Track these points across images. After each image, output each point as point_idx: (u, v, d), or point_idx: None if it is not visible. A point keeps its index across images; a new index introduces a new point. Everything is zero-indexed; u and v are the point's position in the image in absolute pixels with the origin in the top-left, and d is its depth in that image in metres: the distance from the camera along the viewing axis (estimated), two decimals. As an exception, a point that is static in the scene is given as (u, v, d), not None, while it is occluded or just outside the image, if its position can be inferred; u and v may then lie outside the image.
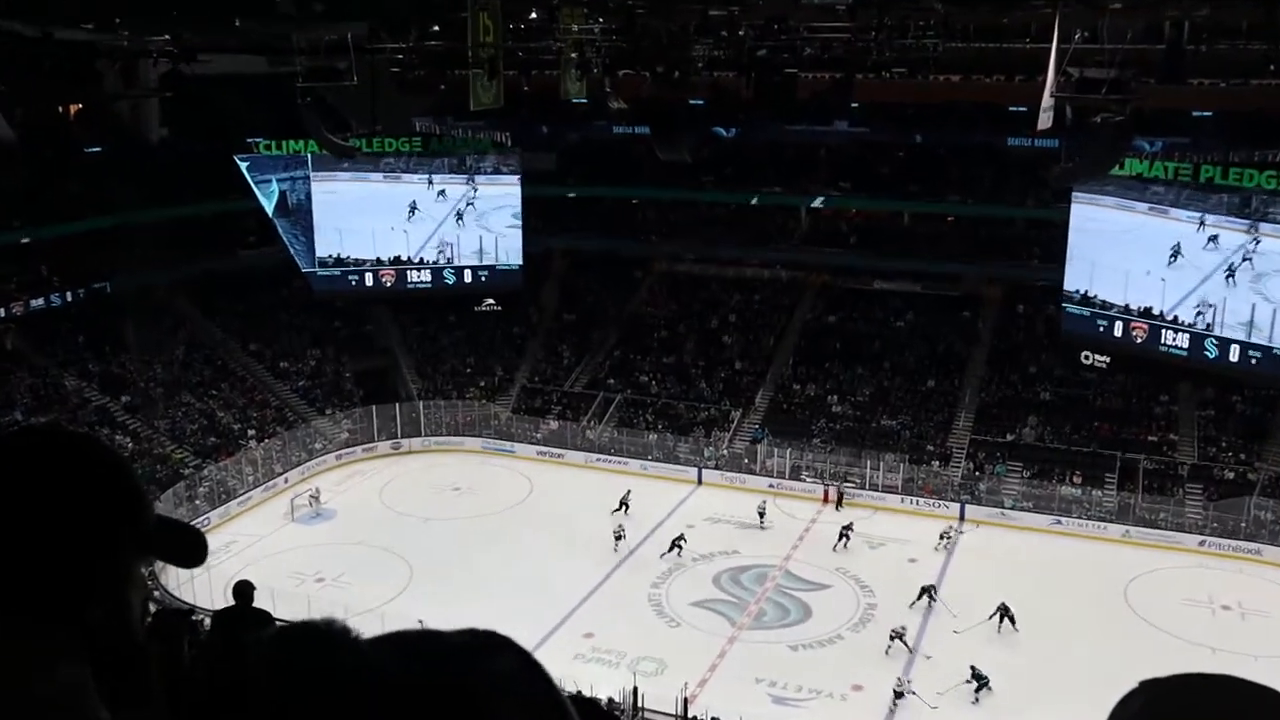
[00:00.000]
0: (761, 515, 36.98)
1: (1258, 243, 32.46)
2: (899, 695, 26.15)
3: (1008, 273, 45.41)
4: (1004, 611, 29.25)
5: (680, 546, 34.33)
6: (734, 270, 51.07)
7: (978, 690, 26.23)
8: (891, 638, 28.73)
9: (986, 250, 45.11)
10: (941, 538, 35.40)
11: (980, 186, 44.46)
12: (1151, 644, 28.36)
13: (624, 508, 37.27)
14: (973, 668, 26.39)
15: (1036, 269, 42.77)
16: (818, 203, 46.64)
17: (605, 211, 50.51)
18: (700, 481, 41.42)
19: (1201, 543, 35.52)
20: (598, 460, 43.15)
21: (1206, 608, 31.51)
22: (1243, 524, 35.57)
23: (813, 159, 48.01)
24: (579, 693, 21.59)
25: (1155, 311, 34.61)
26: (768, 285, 50.55)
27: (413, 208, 44.18)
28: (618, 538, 34.84)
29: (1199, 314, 33.91)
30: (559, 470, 42.66)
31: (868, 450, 40.92)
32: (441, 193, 44.28)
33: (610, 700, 24.29)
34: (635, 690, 25.51)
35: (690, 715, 25.43)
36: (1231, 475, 37.79)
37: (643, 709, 25.44)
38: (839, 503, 38.96)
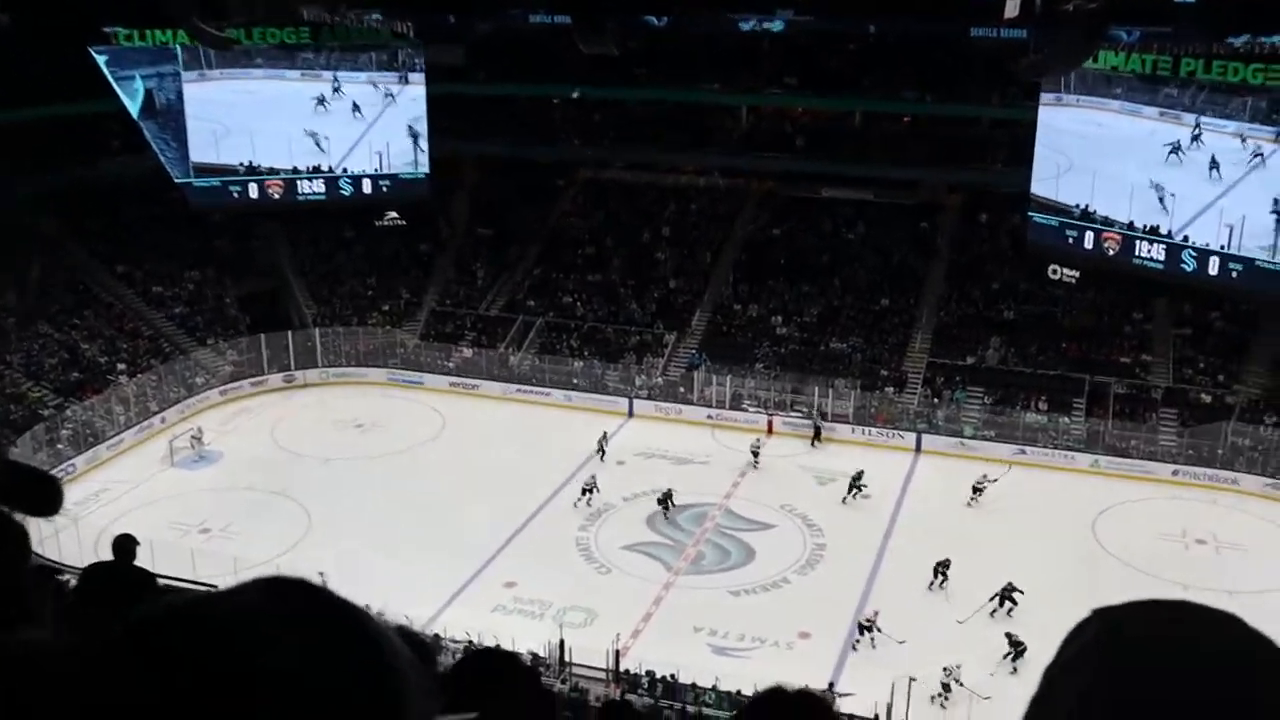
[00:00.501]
0: (755, 455, 36.81)
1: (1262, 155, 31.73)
2: (946, 689, 24.47)
3: (969, 178, 45.83)
4: (1006, 593, 27.84)
5: (669, 505, 33.45)
6: (668, 178, 50.92)
7: (1015, 660, 25.44)
8: (861, 630, 27.03)
9: (946, 154, 45.42)
10: (975, 490, 34.24)
11: (940, 83, 44.59)
12: (1121, 581, 29.17)
13: (601, 453, 37.17)
14: (1008, 634, 25.79)
15: (1001, 174, 43.14)
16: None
17: (521, 112, 49.91)
18: (631, 413, 41.68)
19: (1175, 472, 36.59)
20: (517, 391, 43.18)
21: (1179, 541, 32.54)
22: (1219, 451, 36.67)
23: (755, 52, 47.77)
24: (497, 646, 21.78)
25: (1164, 231, 33.87)
26: (704, 194, 50.51)
27: (320, 99, 42.81)
28: (586, 490, 33.83)
29: (1159, 197, 33.51)
30: (474, 403, 42.66)
31: (815, 376, 41.38)
32: (337, 89, 43.02)
33: (534, 655, 24.59)
34: (562, 643, 25.82)
35: (622, 669, 25.80)
36: (1208, 399, 38.85)
37: (570, 663, 25.77)
38: (816, 437, 39.10)
